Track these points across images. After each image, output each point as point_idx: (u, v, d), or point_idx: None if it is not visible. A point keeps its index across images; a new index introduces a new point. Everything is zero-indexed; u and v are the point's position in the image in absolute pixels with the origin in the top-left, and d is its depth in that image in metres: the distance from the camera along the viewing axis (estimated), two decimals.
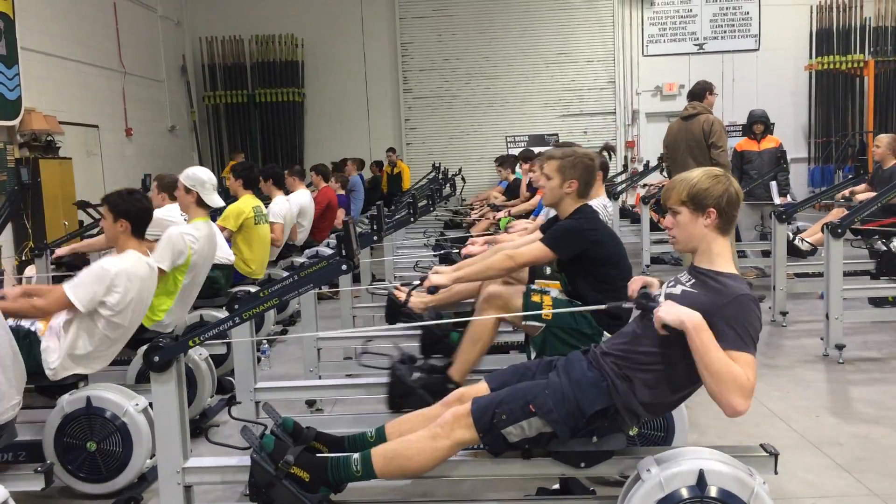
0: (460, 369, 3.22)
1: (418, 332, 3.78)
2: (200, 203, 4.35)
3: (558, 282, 3.44)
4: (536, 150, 9.47)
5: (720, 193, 2.36)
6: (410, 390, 3.02)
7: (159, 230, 4.49)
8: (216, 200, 4.39)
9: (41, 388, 3.42)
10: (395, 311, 4.20)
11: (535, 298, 3.23)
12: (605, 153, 5.43)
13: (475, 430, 2.39)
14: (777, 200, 7.55)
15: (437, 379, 3.16)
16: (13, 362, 2.84)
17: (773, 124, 8.47)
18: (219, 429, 4.17)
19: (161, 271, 3.90)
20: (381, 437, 2.62)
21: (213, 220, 5.00)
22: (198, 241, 4.21)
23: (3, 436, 2.81)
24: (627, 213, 10.28)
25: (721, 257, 2.39)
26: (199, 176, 4.35)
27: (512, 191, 9.24)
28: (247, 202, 5.92)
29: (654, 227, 9.18)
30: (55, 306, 3.31)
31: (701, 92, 6.57)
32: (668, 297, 2.41)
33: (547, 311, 3.10)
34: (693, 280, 2.40)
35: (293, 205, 7.07)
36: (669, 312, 2.25)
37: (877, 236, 5.79)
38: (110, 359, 3.54)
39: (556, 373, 2.51)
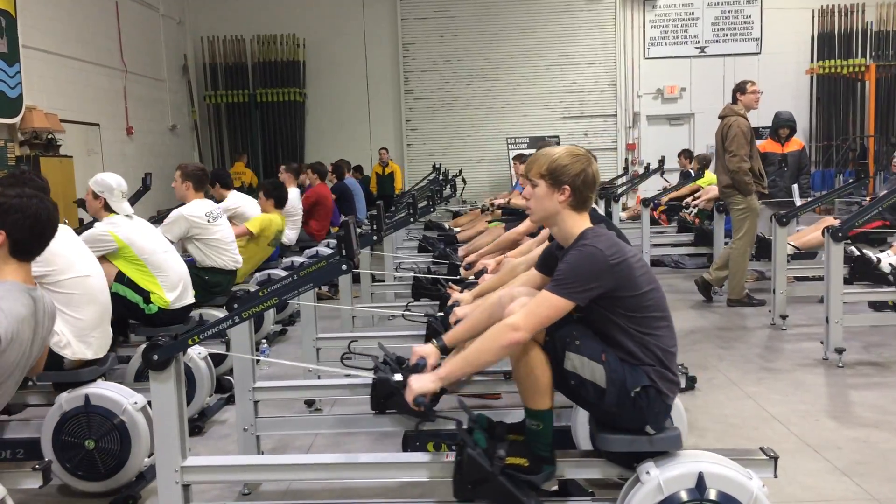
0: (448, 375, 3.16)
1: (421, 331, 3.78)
2: (107, 209, 4.28)
3: None
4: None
5: (577, 172, 2.46)
6: (394, 391, 3.01)
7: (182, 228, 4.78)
8: (125, 208, 4.33)
9: (58, 385, 3.40)
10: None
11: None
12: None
13: (545, 330, 2.39)
14: (798, 202, 7.55)
15: (392, 381, 3.13)
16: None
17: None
18: (219, 427, 4.17)
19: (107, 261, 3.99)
20: None
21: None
22: (116, 224, 4.20)
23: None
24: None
25: (576, 228, 2.48)
26: (108, 182, 4.28)
27: None
28: (275, 221, 6.12)
29: (686, 229, 9.22)
30: None
31: (733, 93, 6.60)
32: None
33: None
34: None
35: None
36: (410, 390, 2.38)
37: (854, 242, 5.79)
38: (108, 331, 3.51)
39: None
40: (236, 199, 6.41)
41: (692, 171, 10.77)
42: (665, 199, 9.82)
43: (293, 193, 7.51)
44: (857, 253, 5.49)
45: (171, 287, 4.27)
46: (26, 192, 2.66)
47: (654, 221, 9.27)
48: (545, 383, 2.43)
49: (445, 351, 2.67)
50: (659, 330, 2.42)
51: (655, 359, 2.40)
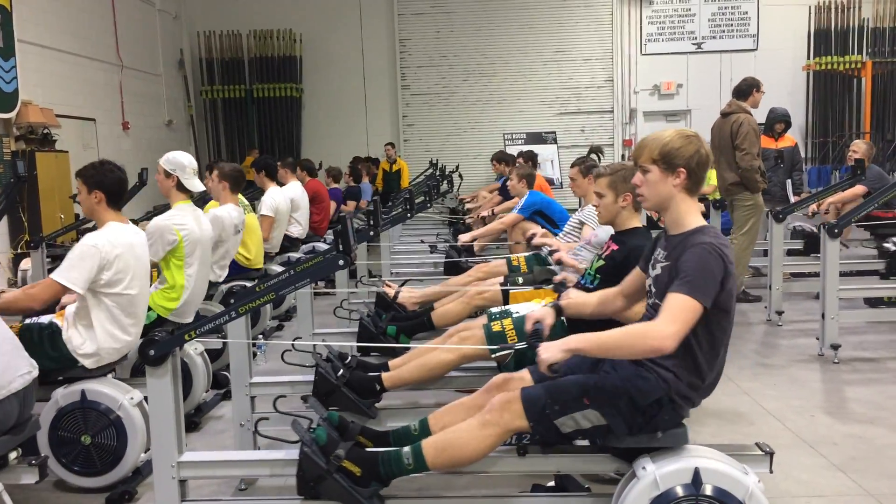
0: (396, 380, 3.16)
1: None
2: (181, 188, 4.27)
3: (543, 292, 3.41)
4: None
5: (691, 154, 2.38)
6: (334, 388, 3.03)
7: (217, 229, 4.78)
8: (197, 185, 4.27)
9: (69, 380, 3.39)
10: (385, 305, 4.22)
11: (496, 328, 3.16)
12: (595, 156, 5.39)
13: (525, 418, 2.36)
14: (793, 199, 7.56)
15: (365, 378, 3.14)
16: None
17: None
18: (215, 423, 4.17)
19: (152, 263, 3.88)
20: (424, 429, 2.62)
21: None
22: (185, 225, 4.11)
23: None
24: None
25: (689, 215, 2.42)
26: (180, 160, 4.24)
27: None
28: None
29: (654, 227, 9.20)
30: (48, 291, 3.24)
31: (748, 89, 6.48)
32: (656, 281, 2.42)
33: (499, 353, 3.03)
34: (666, 254, 2.41)
35: (285, 198, 7.06)
36: (549, 353, 2.30)
37: (892, 238, 5.78)
38: (137, 334, 3.50)
39: (604, 368, 2.51)
40: (272, 194, 6.54)
41: None
42: None
43: (295, 187, 7.49)
44: (894, 248, 5.44)
45: (186, 300, 4.14)
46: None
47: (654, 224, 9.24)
48: (464, 462, 2.41)
49: (560, 312, 2.66)
50: (719, 356, 2.39)
51: (699, 378, 2.36)
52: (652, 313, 2.41)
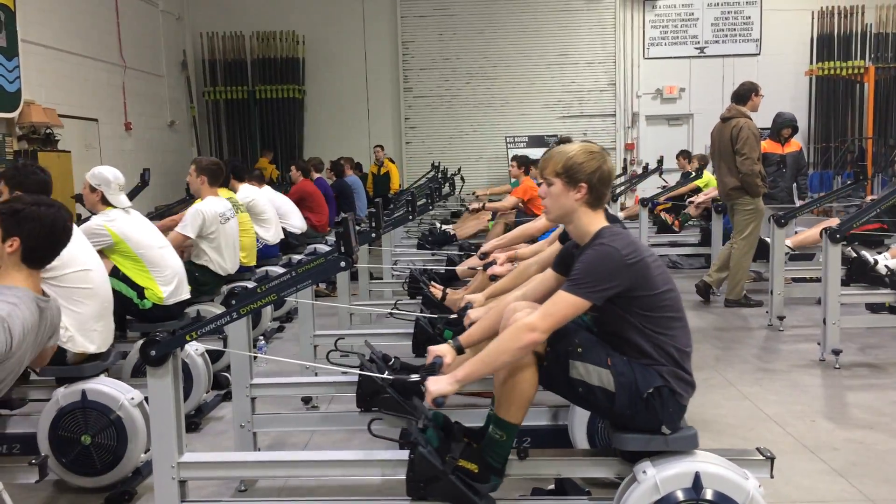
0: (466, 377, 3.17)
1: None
2: (105, 202, 4.24)
3: None
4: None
5: (593, 170, 2.46)
6: (379, 389, 3.01)
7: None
8: (122, 201, 4.27)
9: (60, 380, 3.40)
10: (432, 305, 4.17)
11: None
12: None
13: (546, 342, 2.37)
14: (798, 203, 7.55)
15: (408, 382, 3.13)
16: None
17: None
18: (216, 424, 4.17)
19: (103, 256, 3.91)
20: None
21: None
22: (113, 220, 4.14)
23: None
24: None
25: (591, 226, 2.47)
26: (105, 175, 4.23)
27: None
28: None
29: (665, 229, 9.20)
30: None
31: (746, 93, 6.48)
32: None
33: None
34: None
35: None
36: (437, 385, 2.39)
37: (854, 243, 5.78)
38: (111, 323, 3.52)
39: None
40: (247, 192, 6.42)
41: (692, 172, 10.77)
42: (663, 198, 9.80)
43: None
44: (855, 254, 5.49)
45: (166, 282, 4.25)
46: (43, 200, 2.70)
47: (666, 227, 9.23)
48: (526, 399, 2.43)
49: (461, 351, 2.66)
50: (674, 330, 2.42)
51: (670, 359, 2.40)
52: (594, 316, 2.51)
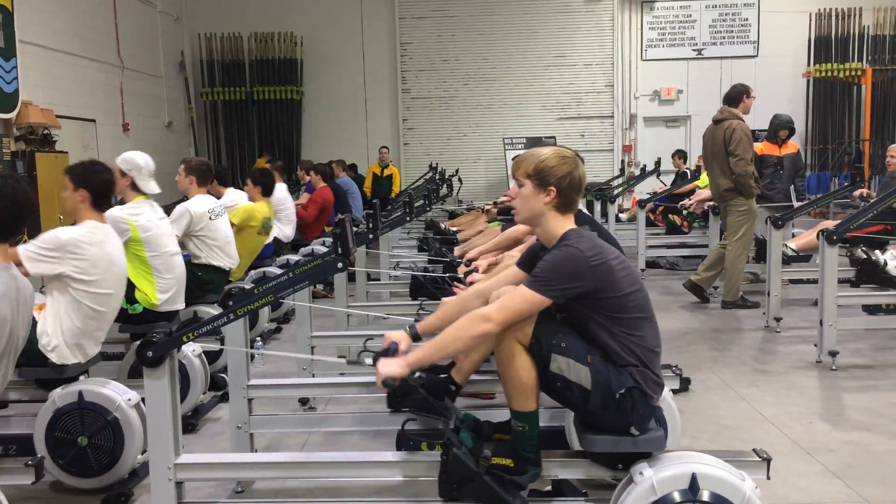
0: (463, 371, 3.18)
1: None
2: (135, 188, 4.26)
3: None
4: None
5: (563, 174, 2.47)
6: (411, 389, 3.01)
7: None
8: (152, 187, 4.30)
9: (41, 382, 3.40)
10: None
11: None
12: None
13: (533, 333, 2.38)
14: (796, 205, 7.56)
15: (437, 379, 3.15)
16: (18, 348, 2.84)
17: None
18: (213, 425, 4.16)
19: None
20: None
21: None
22: (140, 214, 4.14)
23: None
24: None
25: (558, 229, 2.49)
26: (136, 160, 4.26)
27: None
28: (260, 209, 6.00)
29: (674, 230, 9.21)
30: (14, 258, 3.18)
31: (737, 95, 6.52)
32: None
33: None
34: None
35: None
36: (388, 367, 2.43)
37: (861, 245, 5.79)
38: (102, 337, 3.53)
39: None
40: (232, 196, 6.40)
41: (688, 172, 10.78)
42: (658, 198, 9.83)
43: (280, 188, 7.44)
44: (864, 256, 5.47)
45: (165, 289, 4.22)
46: (9, 174, 2.88)
47: (649, 222, 9.28)
48: (530, 385, 2.44)
49: (417, 339, 2.69)
50: (642, 330, 2.43)
51: (638, 359, 2.42)
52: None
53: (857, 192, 7.46)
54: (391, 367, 2.43)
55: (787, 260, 6.22)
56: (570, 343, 2.40)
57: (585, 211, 4.43)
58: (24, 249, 3.25)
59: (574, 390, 2.38)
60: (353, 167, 12.91)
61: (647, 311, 2.47)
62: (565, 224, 2.50)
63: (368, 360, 2.76)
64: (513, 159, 8.03)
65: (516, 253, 4.32)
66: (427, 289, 4.64)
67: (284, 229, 7.39)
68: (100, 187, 3.53)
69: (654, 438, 2.41)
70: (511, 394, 2.47)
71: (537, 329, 2.40)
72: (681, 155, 11.34)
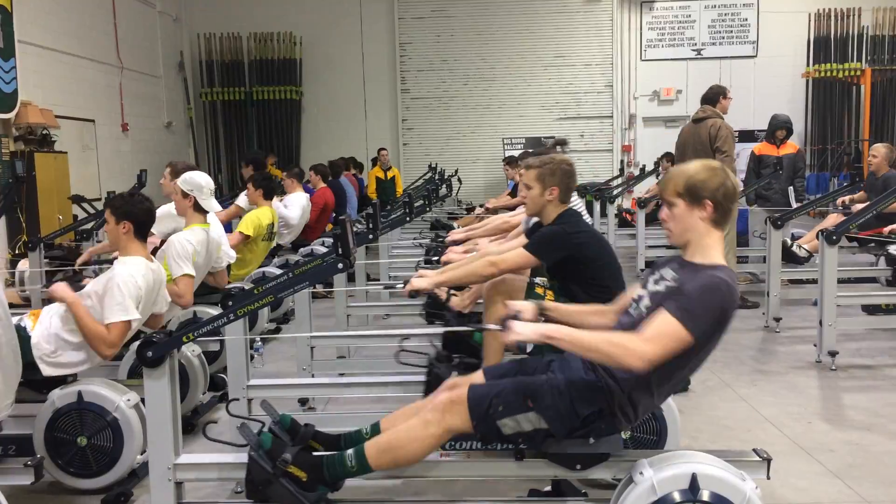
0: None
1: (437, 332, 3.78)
2: (197, 208, 4.32)
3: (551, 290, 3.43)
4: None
5: (717, 186, 2.33)
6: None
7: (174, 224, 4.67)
8: (214, 206, 4.35)
9: (29, 383, 3.39)
10: (437, 308, 4.15)
11: (539, 290, 3.28)
12: (559, 148, 5.41)
13: (469, 417, 2.36)
14: (794, 205, 7.57)
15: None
16: (13, 362, 2.81)
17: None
18: (214, 425, 4.15)
19: (188, 276, 4.02)
20: (376, 431, 2.60)
21: None
22: (198, 245, 4.22)
23: None
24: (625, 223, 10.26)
25: (712, 249, 2.37)
26: (197, 181, 4.31)
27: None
28: (264, 214, 6.02)
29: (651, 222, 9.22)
30: (97, 339, 3.29)
31: (714, 96, 6.59)
32: (652, 294, 2.41)
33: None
34: (677, 276, 2.38)
35: (293, 209, 7.04)
36: (523, 330, 2.28)
37: (891, 244, 5.78)
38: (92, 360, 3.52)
39: (553, 370, 2.50)
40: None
41: None
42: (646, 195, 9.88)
43: (301, 198, 7.48)
44: None
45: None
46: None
47: (625, 222, 9.36)
48: (405, 461, 2.40)
49: (542, 312, 2.62)
50: (671, 381, 2.41)
51: (644, 395, 2.38)
52: (626, 321, 2.43)
53: (839, 201, 7.46)
54: (527, 332, 2.27)
55: (801, 261, 6.22)
56: (502, 400, 2.36)
57: (585, 212, 4.44)
58: (114, 309, 3.30)
59: (536, 435, 2.39)
60: (360, 166, 12.88)
61: (690, 370, 2.46)
62: (720, 245, 2.38)
63: (495, 326, 2.57)
64: (505, 161, 8.09)
65: (488, 243, 4.44)
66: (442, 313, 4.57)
67: (286, 236, 7.39)
68: (142, 217, 3.55)
69: (611, 440, 2.42)
70: (385, 445, 2.41)
71: (472, 413, 2.35)
72: (668, 158, 11.34)
